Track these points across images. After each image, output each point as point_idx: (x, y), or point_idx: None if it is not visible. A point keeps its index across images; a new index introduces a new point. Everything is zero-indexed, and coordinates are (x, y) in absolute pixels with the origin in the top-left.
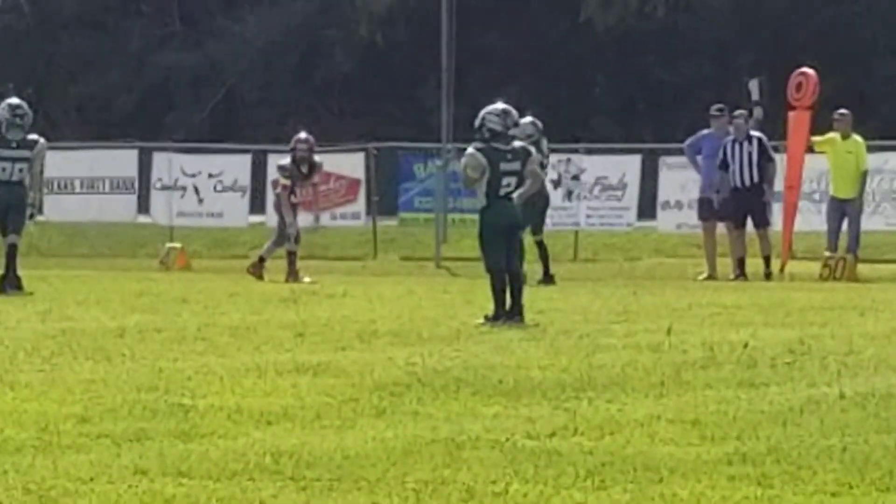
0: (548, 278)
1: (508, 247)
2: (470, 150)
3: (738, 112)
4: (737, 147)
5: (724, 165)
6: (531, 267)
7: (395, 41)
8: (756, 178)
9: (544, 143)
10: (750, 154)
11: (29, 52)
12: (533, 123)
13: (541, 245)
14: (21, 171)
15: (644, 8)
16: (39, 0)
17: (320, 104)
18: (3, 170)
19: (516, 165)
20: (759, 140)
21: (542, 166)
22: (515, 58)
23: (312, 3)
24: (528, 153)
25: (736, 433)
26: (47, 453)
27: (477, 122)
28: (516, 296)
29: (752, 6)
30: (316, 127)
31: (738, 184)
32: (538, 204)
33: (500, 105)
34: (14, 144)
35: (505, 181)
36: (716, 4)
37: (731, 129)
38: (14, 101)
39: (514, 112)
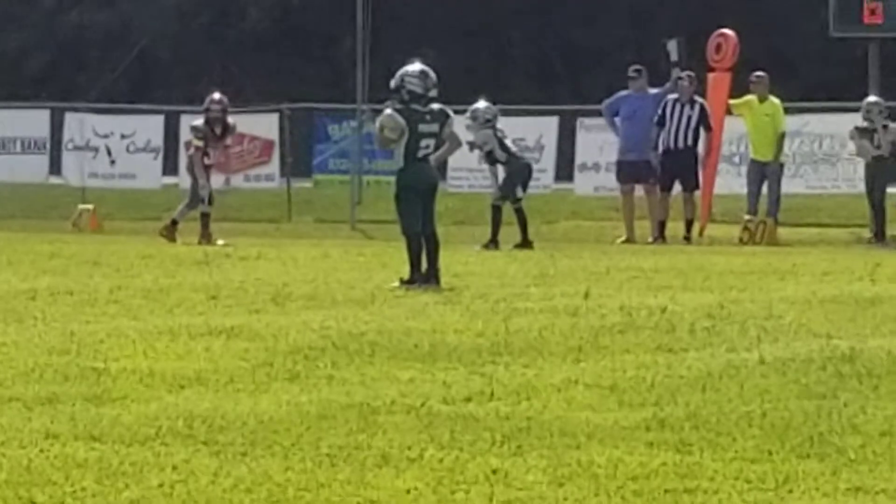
0: (526, 243)
1: (424, 209)
2: (388, 110)
3: (684, 73)
4: (677, 108)
5: (661, 123)
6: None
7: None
8: (690, 142)
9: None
10: (689, 118)
11: None
12: (489, 107)
13: (519, 212)
14: None
15: None
16: None
17: (234, 64)
18: None
19: (435, 127)
20: (702, 106)
21: (503, 142)
22: (432, 18)
23: None
24: (447, 115)
25: (654, 399)
26: None
27: (394, 83)
28: (432, 259)
29: None
30: (229, 87)
31: (671, 145)
32: (522, 173)
33: (418, 66)
34: None
35: (423, 143)
36: None
37: (652, 90)
38: None
39: (433, 74)
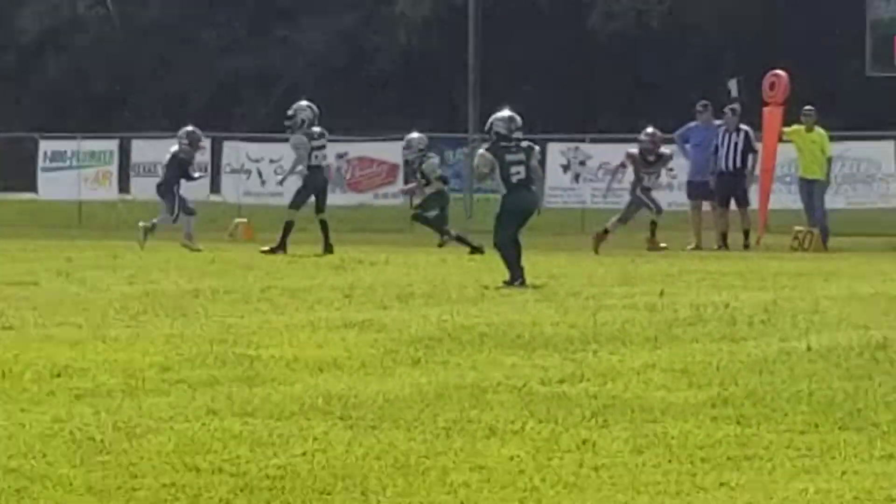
0: (467, 244)
1: (519, 227)
2: (480, 151)
3: (729, 108)
4: (726, 137)
5: (716, 150)
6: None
7: (429, 46)
8: (739, 164)
9: (433, 159)
10: (736, 144)
11: (117, 56)
12: (422, 138)
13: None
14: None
15: (641, 19)
16: (126, 11)
17: (365, 101)
18: (315, 157)
19: (521, 156)
20: (746, 133)
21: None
22: (532, 61)
23: (359, 13)
24: (531, 148)
25: (719, 380)
26: (133, 396)
27: (486, 127)
28: (518, 261)
29: (734, 16)
30: (361, 120)
31: (724, 168)
32: (446, 200)
33: (506, 112)
34: (317, 135)
35: (513, 170)
36: (702, 15)
37: (716, 121)
38: (305, 103)
39: (518, 118)
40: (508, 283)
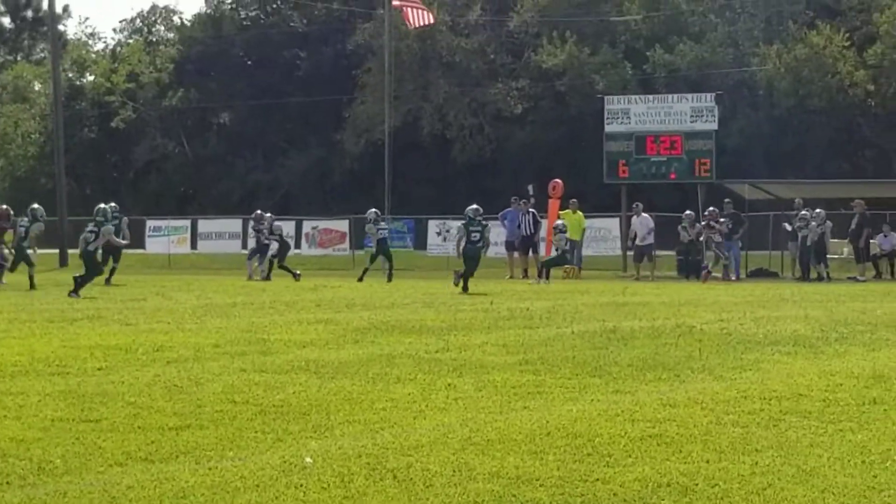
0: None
1: (472, 263)
2: (458, 224)
3: (523, 201)
4: (523, 216)
5: (519, 225)
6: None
7: (362, 166)
8: (532, 231)
9: (378, 224)
10: (528, 220)
11: (188, 172)
12: (375, 212)
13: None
14: None
15: (480, 151)
16: (195, 149)
17: (329, 197)
18: (380, 232)
19: (479, 228)
20: (534, 214)
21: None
22: (420, 174)
23: (325, 147)
24: (486, 225)
25: (523, 350)
26: (198, 361)
27: (464, 212)
28: (466, 280)
29: (531, 150)
30: (325, 207)
31: (525, 233)
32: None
33: (474, 206)
34: (382, 223)
35: (473, 236)
36: (514, 149)
37: (519, 208)
38: (374, 210)
39: (480, 210)
40: (461, 287)
